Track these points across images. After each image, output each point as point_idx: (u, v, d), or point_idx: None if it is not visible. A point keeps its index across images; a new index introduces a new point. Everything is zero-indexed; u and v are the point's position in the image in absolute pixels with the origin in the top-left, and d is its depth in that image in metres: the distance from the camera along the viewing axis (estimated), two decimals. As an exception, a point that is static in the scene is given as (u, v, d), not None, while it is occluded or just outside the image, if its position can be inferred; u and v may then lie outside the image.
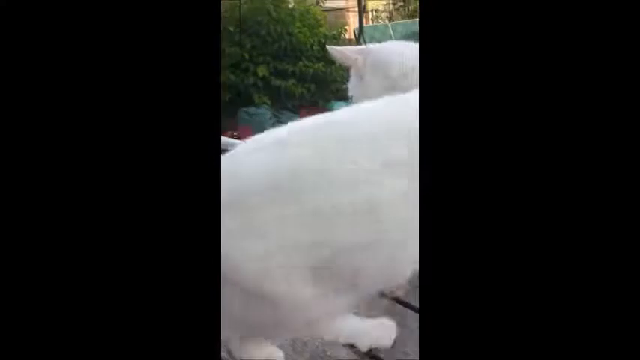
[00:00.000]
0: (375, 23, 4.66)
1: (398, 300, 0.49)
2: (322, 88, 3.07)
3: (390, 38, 4.18)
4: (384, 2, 4.59)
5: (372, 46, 0.56)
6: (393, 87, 0.49)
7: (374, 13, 4.87)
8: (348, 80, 0.63)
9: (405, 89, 0.39)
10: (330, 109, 2.95)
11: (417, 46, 0.52)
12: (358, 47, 0.52)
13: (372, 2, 4.11)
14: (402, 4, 5.08)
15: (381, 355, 0.40)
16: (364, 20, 3.97)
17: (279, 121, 2.86)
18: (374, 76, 0.54)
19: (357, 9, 3.96)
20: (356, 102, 0.55)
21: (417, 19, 4.67)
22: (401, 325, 0.40)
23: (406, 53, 0.54)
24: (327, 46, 0.56)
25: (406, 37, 4.22)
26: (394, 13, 5.10)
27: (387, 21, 4.83)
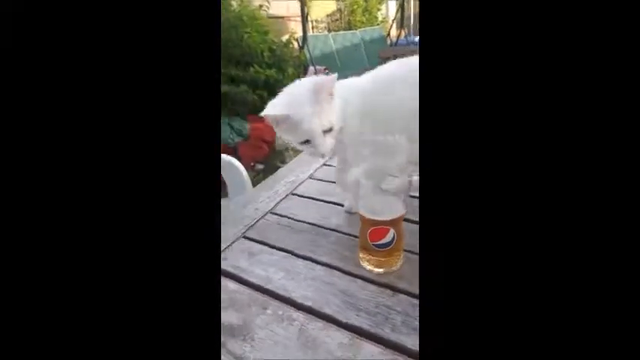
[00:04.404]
0: (315, 33, 4.79)
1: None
2: (275, 95, 3.05)
3: (331, 48, 4.36)
4: (323, 14, 4.75)
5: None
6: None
7: (314, 22, 5.00)
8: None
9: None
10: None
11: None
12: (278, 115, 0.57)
13: (313, 13, 4.22)
14: (337, 17, 5.38)
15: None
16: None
17: (232, 128, 2.76)
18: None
19: (298, 17, 4.03)
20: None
21: (354, 30, 4.95)
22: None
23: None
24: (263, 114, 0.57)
25: (345, 47, 4.44)
26: (331, 25, 5.34)
27: (326, 31, 5.01)
